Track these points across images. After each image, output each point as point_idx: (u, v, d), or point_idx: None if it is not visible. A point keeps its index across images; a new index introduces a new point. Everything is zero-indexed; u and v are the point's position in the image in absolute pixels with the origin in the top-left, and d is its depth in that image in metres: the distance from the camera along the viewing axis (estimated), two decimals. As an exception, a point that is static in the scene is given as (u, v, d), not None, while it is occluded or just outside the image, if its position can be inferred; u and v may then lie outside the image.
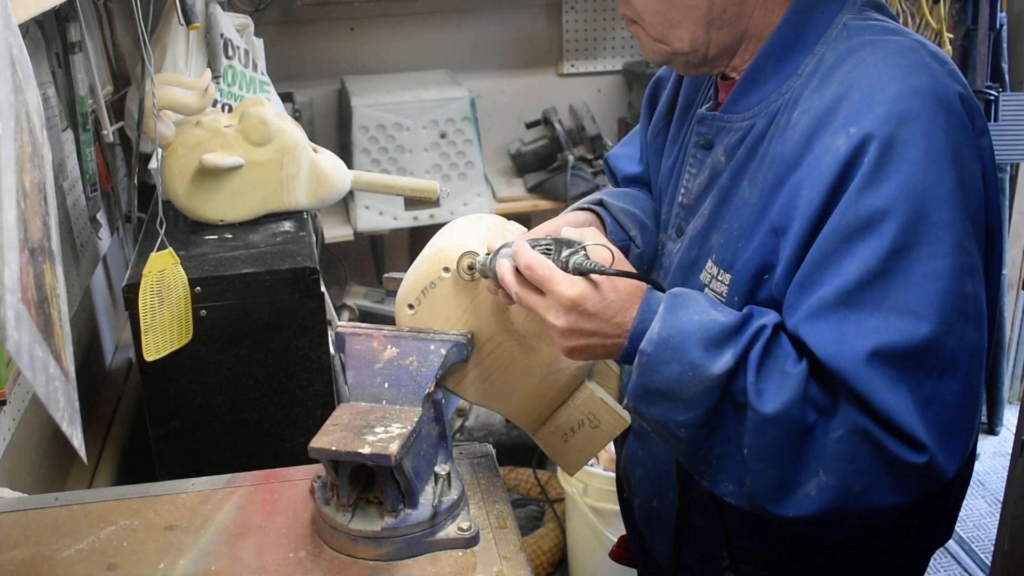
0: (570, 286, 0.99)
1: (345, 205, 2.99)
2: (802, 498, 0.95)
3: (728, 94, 1.13)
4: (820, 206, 0.94)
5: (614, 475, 2.26)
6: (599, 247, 1.02)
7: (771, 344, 0.97)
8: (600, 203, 1.28)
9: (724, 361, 0.95)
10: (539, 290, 1.02)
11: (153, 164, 1.75)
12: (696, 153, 1.17)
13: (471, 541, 1.10)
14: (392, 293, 1.24)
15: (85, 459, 0.83)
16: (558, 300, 0.99)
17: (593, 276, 1.00)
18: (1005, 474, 1.61)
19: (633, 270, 1.03)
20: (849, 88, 0.97)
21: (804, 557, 1.16)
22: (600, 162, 3.12)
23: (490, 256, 1.10)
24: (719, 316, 0.98)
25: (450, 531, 1.10)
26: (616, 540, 2.24)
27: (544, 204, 3.09)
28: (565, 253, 1.02)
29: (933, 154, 0.92)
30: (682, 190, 1.20)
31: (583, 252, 1.02)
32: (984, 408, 3.14)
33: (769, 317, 0.99)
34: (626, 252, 1.24)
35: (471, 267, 1.14)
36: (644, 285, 1.02)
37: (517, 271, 1.04)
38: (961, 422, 0.94)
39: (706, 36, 1.07)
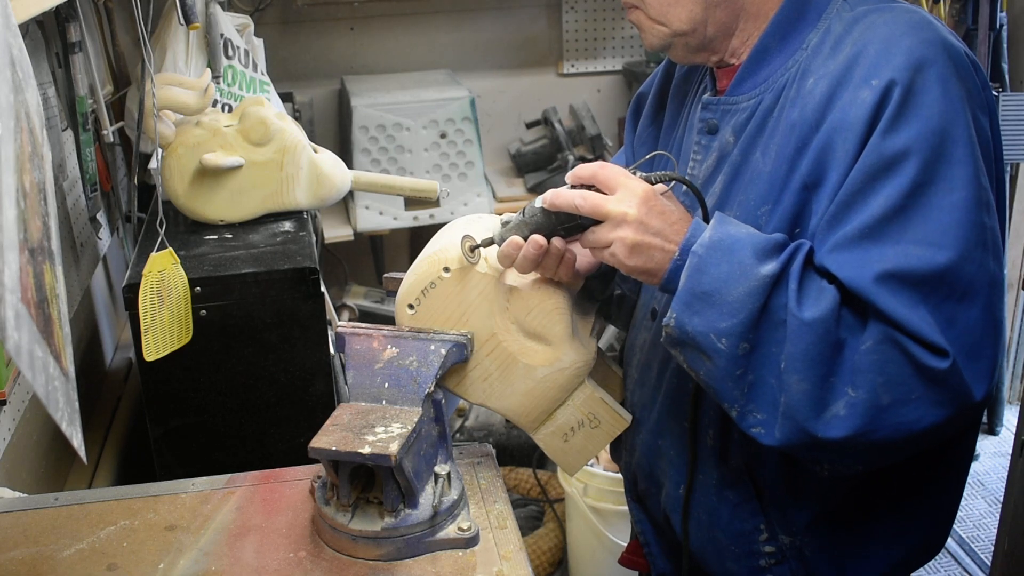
0: (641, 182, 1.07)
1: (345, 205, 2.99)
2: (831, 419, 0.99)
3: (728, 80, 1.18)
4: (856, 155, 1.01)
5: (614, 475, 2.27)
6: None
7: (808, 263, 1.03)
8: None
9: (770, 267, 1.01)
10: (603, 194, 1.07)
11: (153, 164, 1.74)
12: (701, 140, 1.21)
13: (471, 541, 1.10)
14: (392, 293, 1.24)
15: (85, 459, 0.83)
16: (632, 191, 1.06)
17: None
18: (1005, 474, 1.61)
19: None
20: (864, 47, 1.04)
21: (838, 519, 1.18)
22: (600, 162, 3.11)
23: (517, 214, 1.12)
24: (763, 234, 1.06)
25: (450, 531, 1.10)
26: (618, 542, 2.25)
27: (544, 204, 3.09)
28: (629, 169, 1.09)
29: (948, 97, 1.00)
30: (697, 214, 1.21)
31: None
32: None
33: (805, 242, 1.05)
34: None
35: (473, 248, 1.14)
36: (690, 215, 1.10)
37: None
38: (985, 347, 1.00)
39: (704, 14, 1.13)
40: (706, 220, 1.09)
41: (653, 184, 1.08)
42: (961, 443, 1.21)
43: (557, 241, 1.11)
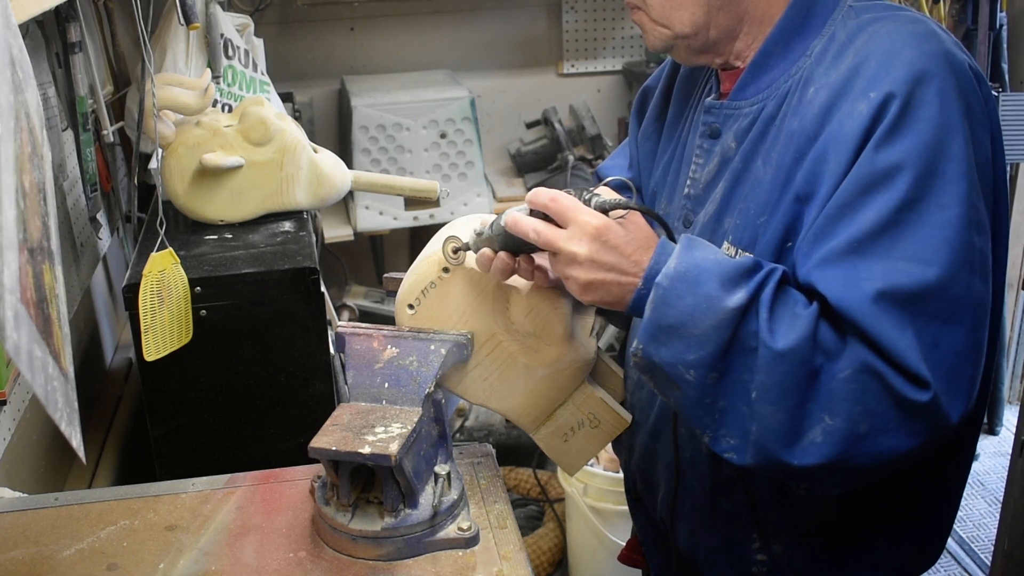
0: (593, 216, 1.03)
1: (345, 205, 2.99)
2: (807, 446, 0.97)
3: (733, 84, 1.16)
4: (848, 168, 0.99)
5: (614, 475, 2.27)
6: (612, 192, 1.08)
7: (781, 287, 1.01)
8: None
9: (738, 297, 0.98)
10: (559, 227, 1.04)
11: (153, 164, 1.75)
12: (703, 144, 1.20)
13: (471, 541, 1.10)
14: (392, 293, 1.24)
15: (84, 459, 0.83)
16: (582, 228, 1.02)
17: (612, 216, 1.04)
18: (1005, 474, 1.61)
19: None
20: (865, 58, 1.02)
21: (831, 529, 1.17)
22: (600, 162, 3.12)
23: (487, 224, 1.12)
24: (732, 259, 1.02)
25: (450, 531, 1.10)
26: (618, 542, 2.25)
27: (544, 204, 3.09)
28: (585, 196, 1.05)
29: (946, 113, 0.97)
30: (688, 182, 1.22)
31: (599, 194, 1.06)
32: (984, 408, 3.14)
33: (779, 266, 1.03)
34: None
35: (456, 250, 1.15)
36: (657, 235, 1.06)
37: (531, 214, 1.06)
38: (966, 369, 0.97)
39: (706, 17, 1.11)
40: (671, 239, 1.06)
41: (608, 211, 1.04)
42: (958, 454, 1.19)
43: (524, 260, 1.11)
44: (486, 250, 1.11)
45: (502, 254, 1.10)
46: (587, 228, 1.02)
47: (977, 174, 0.99)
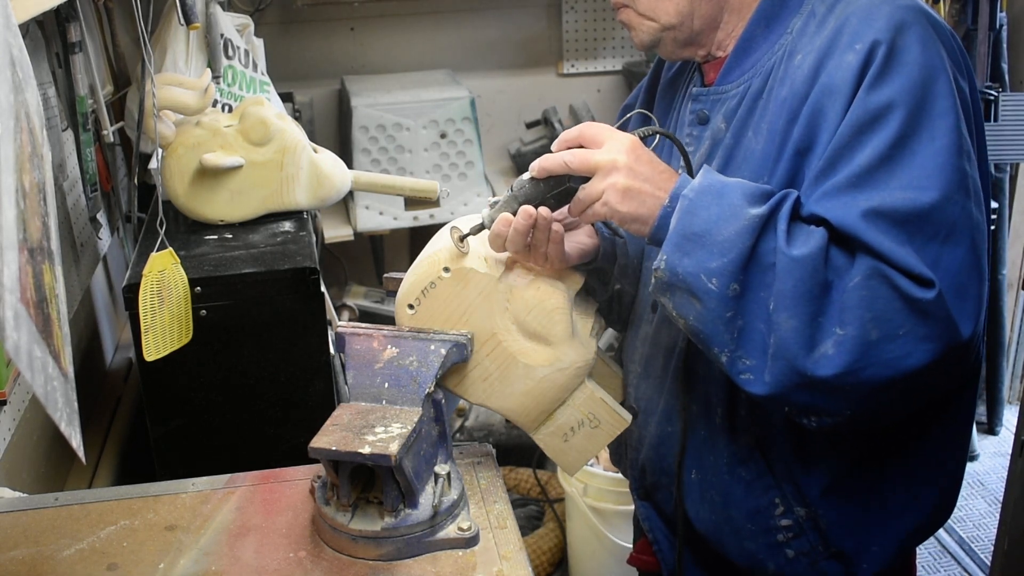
0: (626, 135, 1.11)
1: (345, 205, 2.99)
2: (820, 358, 1.01)
3: (717, 72, 1.22)
4: (844, 114, 1.05)
5: (614, 475, 2.27)
6: None
7: (795, 213, 1.06)
8: None
9: (760, 209, 1.04)
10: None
11: (153, 164, 1.74)
12: (692, 131, 1.25)
13: (471, 541, 1.10)
14: (392, 293, 1.25)
15: (83, 459, 0.83)
16: (619, 142, 1.10)
17: None
18: (1005, 474, 1.61)
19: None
20: (847, 18, 1.09)
21: (850, 486, 1.19)
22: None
23: (504, 194, 1.14)
24: (751, 182, 1.09)
25: (450, 531, 1.10)
26: (618, 542, 2.25)
27: (544, 204, 3.09)
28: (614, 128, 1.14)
29: (929, 54, 1.05)
30: (680, 170, 1.23)
31: None
32: (984, 408, 3.14)
33: (792, 191, 1.08)
34: (612, 244, 1.31)
35: (463, 237, 1.15)
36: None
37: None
38: (971, 286, 1.02)
39: (690, 7, 1.17)
40: (691, 175, 1.12)
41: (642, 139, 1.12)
42: (960, 403, 1.22)
43: (544, 211, 1.12)
44: (504, 215, 1.12)
45: (524, 208, 1.11)
46: (624, 141, 1.09)
47: (962, 109, 1.05)
